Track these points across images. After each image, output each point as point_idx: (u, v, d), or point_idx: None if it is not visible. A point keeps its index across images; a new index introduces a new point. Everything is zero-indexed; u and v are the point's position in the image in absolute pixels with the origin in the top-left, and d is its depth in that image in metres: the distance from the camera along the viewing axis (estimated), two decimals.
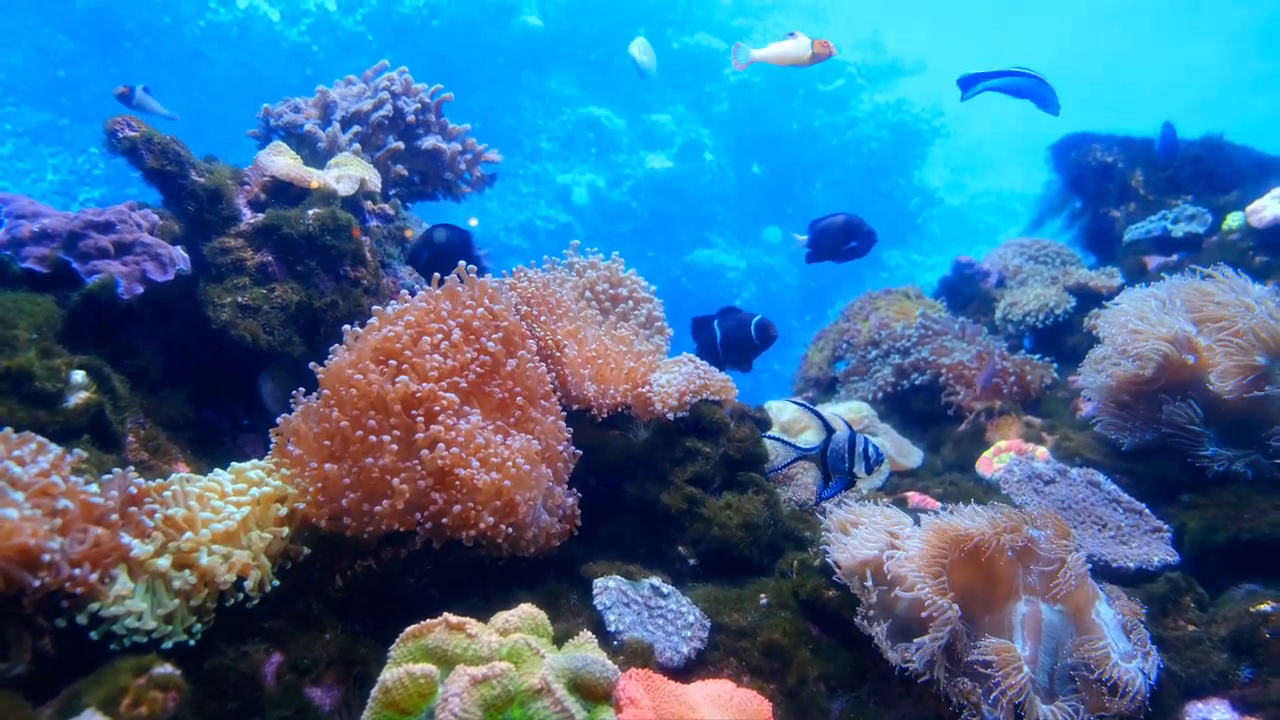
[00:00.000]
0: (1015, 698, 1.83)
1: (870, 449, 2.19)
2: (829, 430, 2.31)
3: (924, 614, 1.85)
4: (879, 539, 2.04)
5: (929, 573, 1.91)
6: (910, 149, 15.18)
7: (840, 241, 3.07)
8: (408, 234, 3.10)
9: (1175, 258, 3.90)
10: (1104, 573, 2.41)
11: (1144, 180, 4.32)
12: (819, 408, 3.63)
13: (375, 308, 2.13)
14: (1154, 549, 2.49)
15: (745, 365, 3.23)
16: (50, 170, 11.31)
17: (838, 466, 2.19)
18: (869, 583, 2.00)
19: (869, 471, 2.20)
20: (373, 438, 1.90)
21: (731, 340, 3.01)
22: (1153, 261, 3.97)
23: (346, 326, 2.07)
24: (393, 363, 1.99)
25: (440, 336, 2.07)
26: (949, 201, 17.15)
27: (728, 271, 14.00)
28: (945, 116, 15.26)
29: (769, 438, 2.63)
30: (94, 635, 1.57)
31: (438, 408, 1.94)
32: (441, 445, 1.89)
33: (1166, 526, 2.57)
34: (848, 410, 3.43)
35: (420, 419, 1.92)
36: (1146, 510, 2.64)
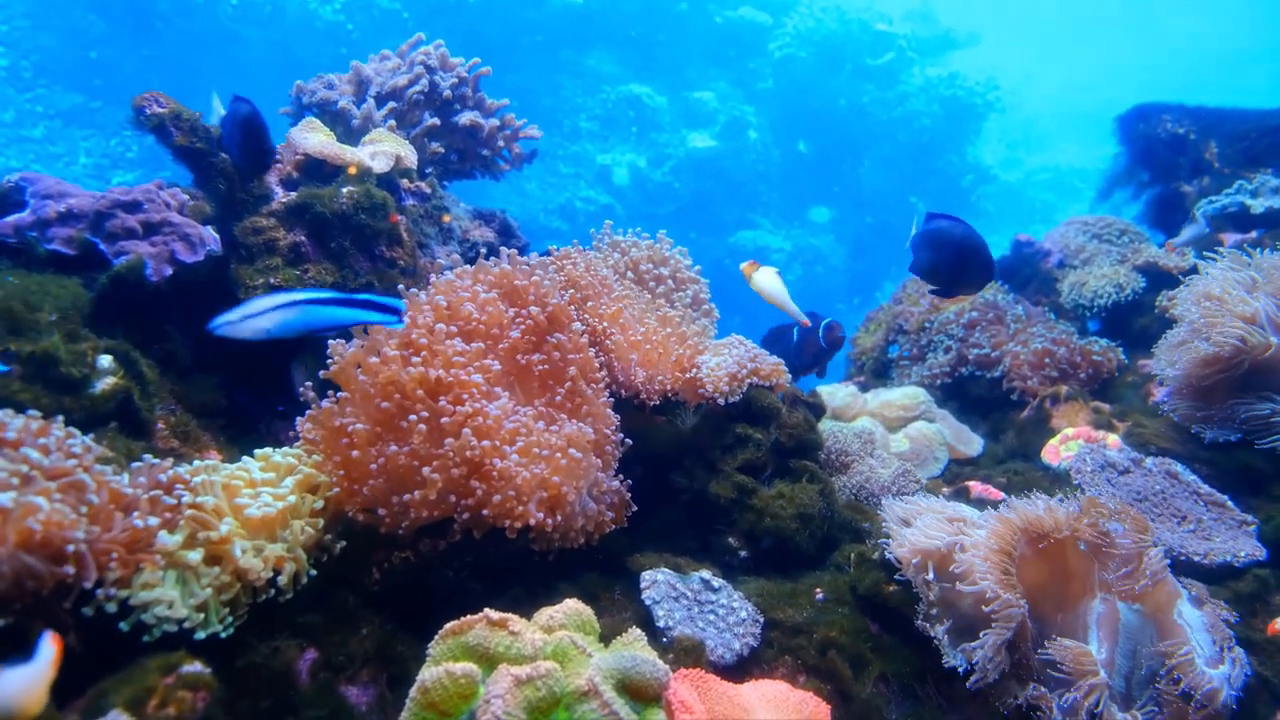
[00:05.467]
0: (1091, 706, 1.71)
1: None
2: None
3: (988, 609, 1.74)
4: (943, 530, 1.94)
5: (996, 565, 1.79)
6: (963, 124, 14.76)
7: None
8: (445, 219, 3.02)
9: (1254, 234, 3.68)
10: (1185, 569, 2.26)
11: (1219, 153, 4.08)
12: (872, 391, 3.51)
13: (402, 289, 2.06)
14: (1240, 544, 2.33)
15: (818, 369, 3.21)
16: (83, 154, 11.35)
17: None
18: (930, 577, 1.89)
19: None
20: (401, 423, 1.83)
21: (802, 345, 2.95)
22: (1229, 239, 3.74)
23: None
24: (421, 352, 1.92)
25: (470, 307, 2.00)
26: (1004, 178, 16.70)
27: (772, 253, 13.79)
28: (1000, 90, 14.80)
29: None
30: (124, 625, 1.51)
31: (465, 395, 1.86)
32: (469, 432, 1.80)
33: (1253, 520, 2.41)
34: (903, 396, 3.30)
35: (445, 404, 1.85)
36: (1229, 503, 2.48)
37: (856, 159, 14.64)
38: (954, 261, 2.43)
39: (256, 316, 1.90)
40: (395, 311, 2.00)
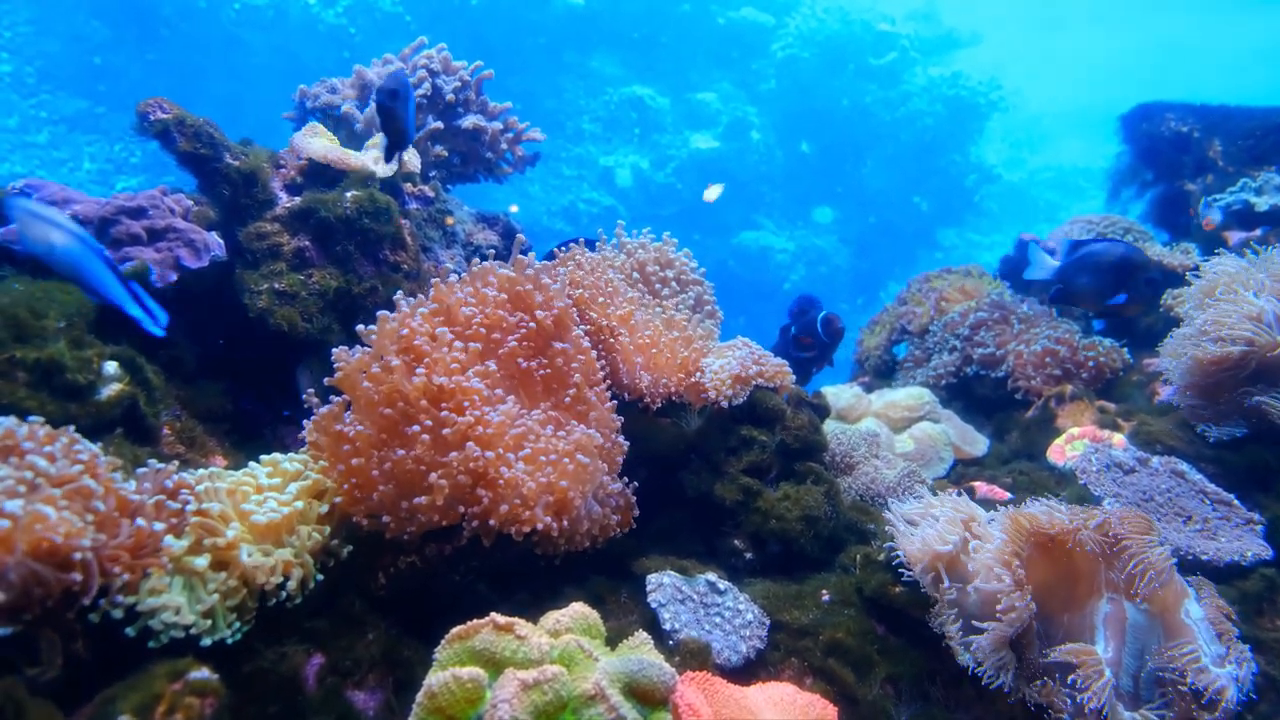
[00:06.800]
0: (1097, 704, 1.70)
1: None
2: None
3: (997, 606, 1.73)
4: (954, 531, 1.92)
5: (1005, 565, 1.78)
6: (966, 124, 14.73)
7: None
8: (449, 222, 3.02)
9: (1259, 232, 3.66)
10: (1192, 568, 2.25)
11: (1223, 151, 4.06)
12: (876, 392, 3.49)
13: (398, 296, 2.04)
14: (1246, 543, 2.32)
15: (825, 362, 3.22)
16: (87, 159, 11.36)
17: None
18: (944, 579, 1.88)
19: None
20: (405, 429, 1.82)
21: (802, 339, 2.95)
22: (1234, 237, 3.72)
23: (382, 313, 1.98)
24: (424, 355, 1.90)
25: (472, 312, 1.98)
26: (1007, 178, 16.62)
27: (776, 254, 13.78)
28: (1003, 89, 14.77)
29: None
30: (130, 631, 1.50)
31: (466, 402, 1.85)
32: (473, 445, 1.79)
33: (1259, 518, 2.40)
34: (907, 396, 3.29)
35: (447, 413, 1.83)
36: (1236, 501, 2.46)
37: (859, 159, 14.61)
38: (1116, 280, 2.45)
39: (53, 226, 1.77)
40: (153, 317, 1.86)
